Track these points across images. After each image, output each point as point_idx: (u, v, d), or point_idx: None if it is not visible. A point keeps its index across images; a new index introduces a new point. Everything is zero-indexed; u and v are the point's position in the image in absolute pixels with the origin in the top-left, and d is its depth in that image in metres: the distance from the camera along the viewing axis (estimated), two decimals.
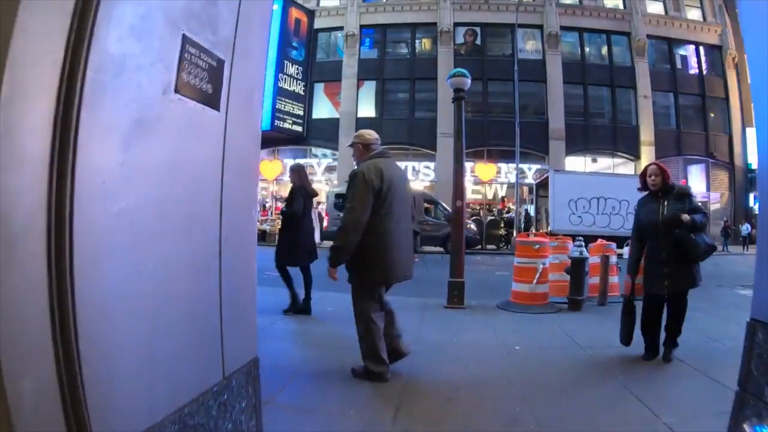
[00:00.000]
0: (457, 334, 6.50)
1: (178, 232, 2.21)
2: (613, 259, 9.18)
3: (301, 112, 32.13)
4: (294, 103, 31.65)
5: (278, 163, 32.38)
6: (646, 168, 5.45)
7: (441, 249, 21.95)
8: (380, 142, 5.00)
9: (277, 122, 30.34)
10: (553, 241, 9.78)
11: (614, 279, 9.39)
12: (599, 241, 9.59)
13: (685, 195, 5.19)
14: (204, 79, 2.25)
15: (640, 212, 5.42)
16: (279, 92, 30.56)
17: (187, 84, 2.14)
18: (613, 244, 9.55)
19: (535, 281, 8.14)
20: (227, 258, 2.58)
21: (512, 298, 8.49)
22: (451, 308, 8.26)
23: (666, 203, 5.14)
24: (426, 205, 22.81)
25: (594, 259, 8.94)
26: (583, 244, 8.51)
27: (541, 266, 8.22)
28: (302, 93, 32.30)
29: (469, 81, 8.97)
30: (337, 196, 24.11)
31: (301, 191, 7.54)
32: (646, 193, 5.41)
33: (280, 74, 30.71)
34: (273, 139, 31.96)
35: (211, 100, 2.34)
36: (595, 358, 5.40)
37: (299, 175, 7.83)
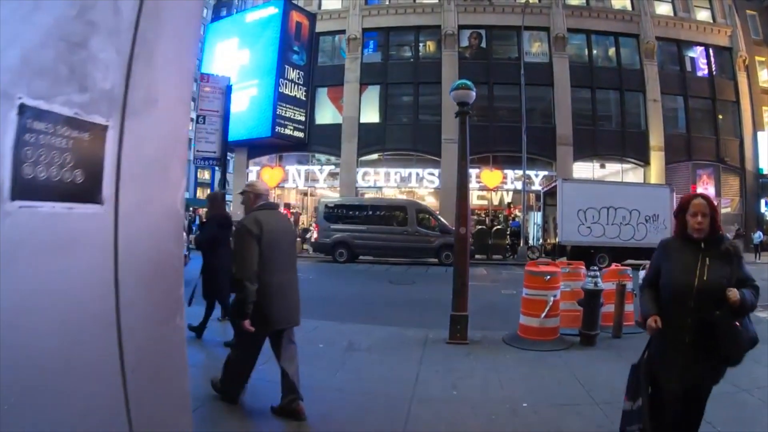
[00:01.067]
0: (458, 383, 5.81)
1: None
2: (629, 285, 8.42)
3: (302, 118, 31.57)
4: (295, 108, 31.09)
5: (279, 170, 32.08)
6: (688, 200, 3.41)
7: (435, 260, 21.63)
8: (268, 194, 5.40)
9: (277, 128, 29.86)
10: (565, 266, 8.96)
11: (629, 307, 8.46)
12: (613, 266, 8.89)
13: (735, 254, 3.31)
14: (68, 164, 1.51)
15: (665, 262, 3.49)
16: (280, 98, 30.06)
17: (34, 181, 1.45)
18: (629, 270, 8.83)
19: (543, 315, 7.44)
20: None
21: (520, 331, 7.78)
22: (454, 344, 7.55)
23: (708, 261, 3.26)
24: (419, 215, 22.57)
25: (607, 285, 8.15)
26: (599, 273, 7.80)
27: (552, 299, 7.51)
28: (304, 98, 31.74)
29: (474, 94, 8.18)
30: (328, 207, 23.73)
31: (217, 220, 7.51)
32: (676, 235, 3.53)
33: (281, 79, 30.21)
34: (274, 146, 31.76)
35: (86, 193, 1.62)
36: (611, 418, 4.68)
37: (214, 203, 8.12)
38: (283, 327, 4.96)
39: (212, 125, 8.98)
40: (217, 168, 9.11)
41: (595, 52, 32.61)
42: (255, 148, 32.74)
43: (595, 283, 7.57)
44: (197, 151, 8.96)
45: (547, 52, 31.42)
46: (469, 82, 8.22)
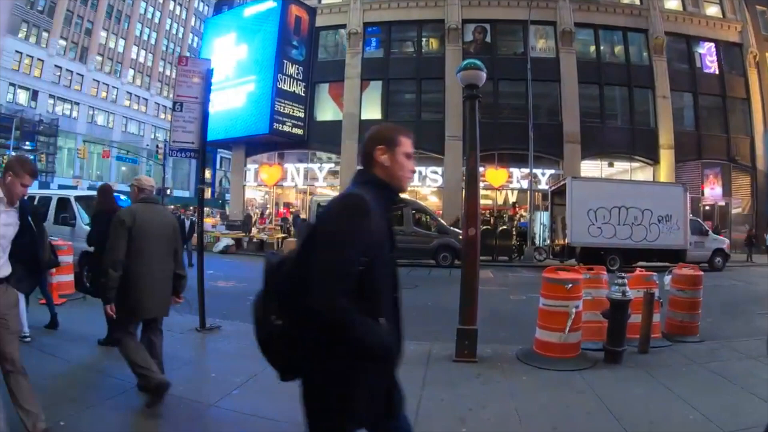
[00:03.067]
0: (468, 416, 4.90)
1: None
2: (656, 293, 7.50)
3: (301, 114, 30.90)
4: (294, 104, 30.41)
5: (278, 167, 31.61)
6: None
7: (432, 262, 20.94)
8: (155, 190, 5.74)
9: (276, 125, 29.22)
10: (585, 272, 7.73)
11: (655, 317, 7.52)
12: (638, 271, 7.89)
13: None
14: None
15: None
16: (278, 93, 29.40)
17: None
18: (654, 275, 7.89)
19: (567, 331, 6.44)
20: None
21: (537, 347, 6.75)
22: (461, 362, 6.56)
23: None
24: (416, 214, 21.85)
25: (632, 293, 7.17)
26: (626, 281, 6.74)
27: (574, 311, 6.50)
28: (303, 94, 31.07)
29: (484, 75, 7.07)
30: (321, 206, 22.97)
31: (106, 214, 6.81)
32: None
33: (279, 75, 29.53)
34: (273, 143, 31.19)
35: None
36: None
37: (103, 197, 7.93)
38: (151, 316, 5.26)
39: (190, 113, 8.17)
40: (204, 165, 8.31)
41: (602, 47, 31.84)
42: (253, 145, 32.21)
43: (623, 292, 6.55)
44: (173, 141, 8.27)
45: (554, 47, 30.66)
46: (478, 62, 7.19)
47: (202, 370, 6.43)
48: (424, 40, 31.94)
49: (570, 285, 6.64)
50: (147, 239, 5.04)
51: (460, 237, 20.13)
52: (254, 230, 28.46)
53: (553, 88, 29.92)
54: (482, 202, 28.08)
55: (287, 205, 33.58)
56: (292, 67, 30.35)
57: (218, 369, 6.45)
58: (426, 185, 29.67)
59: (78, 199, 14.20)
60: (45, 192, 16.36)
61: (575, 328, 6.58)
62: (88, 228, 11.57)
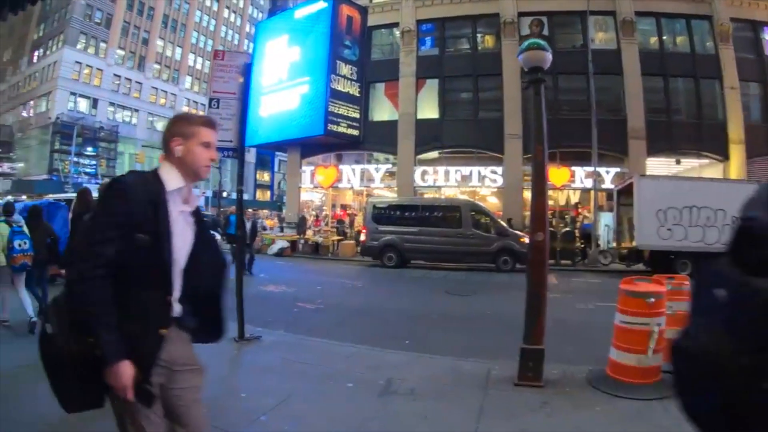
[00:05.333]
0: None
1: None
2: None
3: (356, 115, 30.39)
4: (349, 105, 29.95)
5: (334, 169, 31.18)
6: None
7: (492, 266, 20.06)
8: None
9: (330, 126, 28.80)
10: (668, 282, 6.63)
11: None
12: None
13: None
14: None
15: None
16: (332, 94, 28.98)
17: None
18: None
19: (650, 353, 5.59)
20: None
21: (611, 370, 5.89)
22: (524, 386, 5.79)
23: None
24: (474, 216, 21.04)
25: None
26: None
27: (657, 329, 5.61)
28: (357, 95, 30.57)
29: (549, 56, 6.39)
30: (377, 207, 22.43)
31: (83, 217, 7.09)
32: None
33: (333, 75, 29.13)
34: (328, 144, 30.87)
35: None
36: None
37: (81, 199, 8.18)
38: None
39: (228, 110, 7.89)
40: (243, 165, 7.82)
41: (665, 36, 30.33)
42: (308, 147, 31.91)
43: None
44: None
45: (615, 38, 29.29)
46: (542, 42, 6.53)
47: (231, 389, 6.00)
48: (479, 36, 31.05)
49: (652, 299, 5.79)
50: None
51: (521, 239, 19.37)
52: (309, 232, 28.29)
53: (615, 81, 28.57)
54: None
55: (344, 206, 33.33)
56: (345, 67, 29.97)
57: (249, 387, 6.07)
58: (485, 185, 28.76)
59: None
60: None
61: (657, 349, 5.71)
62: None
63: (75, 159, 55.50)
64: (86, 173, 57.64)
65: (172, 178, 2.55)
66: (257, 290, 14.12)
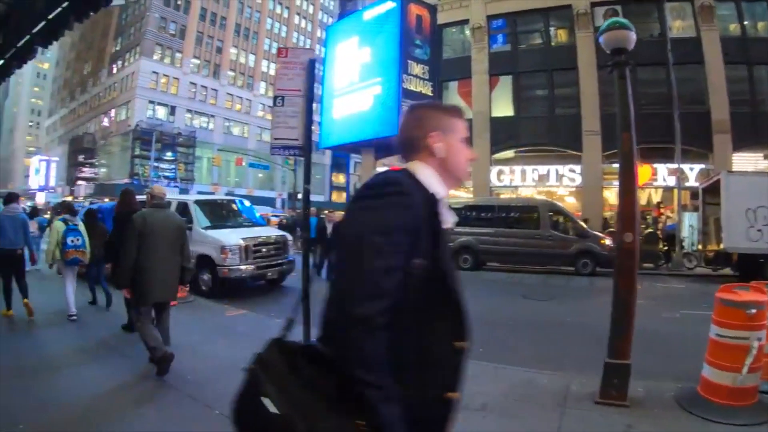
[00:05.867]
0: None
1: None
2: None
3: None
4: None
5: None
6: None
7: (571, 269, 19.27)
8: (166, 197, 7.13)
9: None
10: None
11: None
12: None
13: None
14: None
15: None
16: (404, 94, 28.68)
17: None
18: None
19: (745, 371, 4.98)
20: None
21: (702, 389, 5.33)
22: (607, 404, 5.30)
23: None
24: (552, 216, 20.27)
25: None
26: None
27: (756, 344, 5.00)
28: (430, 94, 30.17)
29: (633, 36, 5.91)
30: (453, 208, 21.76)
31: (123, 216, 7.51)
32: None
33: (405, 75, 28.95)
34: None
35: None
36: None
37: (122, 199, 8.88)
38: (159, 301, 6.49)
39: (293, 107, 7.73)
40: (310, 164, 7.55)
41: (746, 22, 28.41)
42: (382, 148, 31.51)
43: None
44: (274, 138, 7.77)
45: (693, 25, 27.76)
46: (624, 20, 6.06)
47: None
48: (551, 29, 30.16)
49: (753, 309, 5.11)
50: (155, 238, 6.29)
51: (602, 242, 18.74)
52: None
53: (696, 71, 26.97)
54: None
55: None
56: (417, 66, 29.75)
57: None
58: (563, 185, 27.99)
59: (199, 203, 14.40)
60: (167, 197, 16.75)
61: (755, 367, 5.12)
62: (204, 232, 13.06)
63: (154, 164, 57.72)
64: (165, 177, 60.10)
65: (436, 184, 1.93)
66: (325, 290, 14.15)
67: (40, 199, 49.84)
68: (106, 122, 70.43)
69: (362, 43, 31.92)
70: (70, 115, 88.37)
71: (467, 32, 31.19)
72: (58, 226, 9.40)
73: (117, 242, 7.40)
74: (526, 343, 8.73)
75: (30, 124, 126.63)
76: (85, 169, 70.16)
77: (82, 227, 9.63)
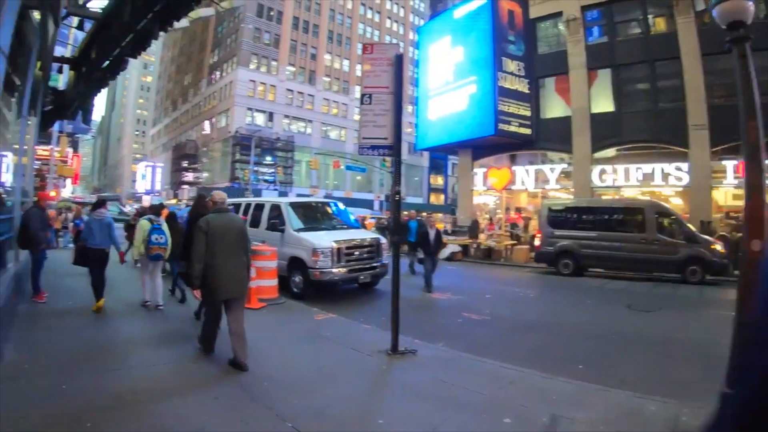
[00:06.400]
0: None
1: None
2: None
3: (527, 113, 29.53)
4: (519, 103, 29.19)
5: (506, 170, 30.37)
6: None
7: (678, 276, 17.76)
8: (224, 202, 7.42)
9: (501, 126, 28.20)
10: None
11: None
12: None
13: None
14: None
15: None
16: (500, 92, 28.37)
17: None
18: None
19: None
20: None
21: None
22: None
23: None
24: (659, 219, 18.66)
25: None
26: None
27: None
28: (527, 91, 29.71)
29: (751, 6, 5.41)
30: (552, 210, 21.09)
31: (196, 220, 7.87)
32: None
33: (500, 73, 28.51)
34: (499, 145, 30.21)
35: None
36: None
37: (197, 203, 9.51)
38: (227, 297, 6.95)
39: (381, 105, 7.65)
40: (400, 164, 7.09)
41: None
42: (479, 148, 31.60)
43: None
44: (363, 138, 7.73)
45: None
46: None
47: (367, 413, 5.43)
48: (650, 17, 28.15)
49: None
50: (219, 239, 6.81)
51: (712, 246, 17.53)
52: (482, 236, 27.65)
53: None
54: (734, 203, 23.95)
55: (518, 209, 32.08)
56: (512, 63, 29.27)
57: (390, 413, 5.42)
58: (668, 184, 25.69)
59: (292, 206, 14.44)
60: (260, 199, 17.02)
61: None
62: (296, 234, 13.19)
63: (254, 168, 59.43)
64: (265, 181, 62.26)
65: None
66: (422, 297, 13.96)
67: (146, 202, 52.78)
68: (207, 129, 73.62)
69: (455, 42, 31.85)
70: (172, 124, 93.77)
71: (560, 26, 30.21)
72: (144, 225, 10.52)
73: (189, 243, 7.97)
74: (631, 361, 8.02)
75: (136, 133, 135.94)
76: (188, 174, 74.45)
77: (165, 226, 10.69)
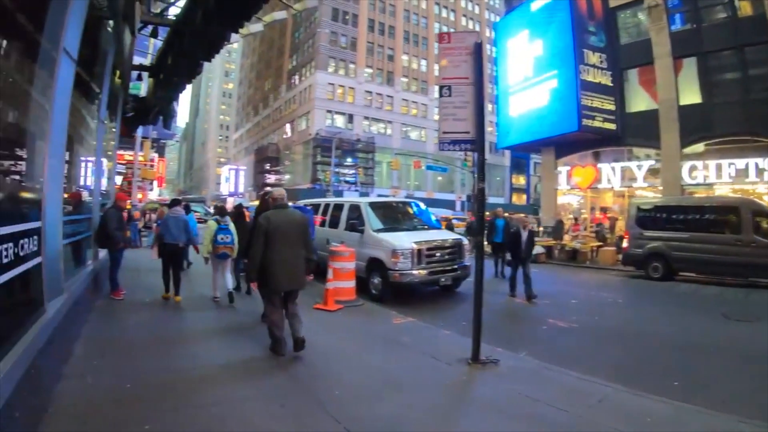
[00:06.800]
0: None
1: None
2: None
3: (611, 107, 28.42)
4: (602, 97, 28.18)
5: (591, 168, 29.55)
6: None
7: None
8: (285, 197, 7.91)
9: (585, 121, 27.32)
10: None
11: None
12: None
13: None
14: None
15: None
16: (583, 86, 27.54)
17: None
18: None
19: None
20: None
21: None
22: None
23: None
24: (755, 219, 16.91)
25: None
26: None
27: None
28: (611, 84, 28.66)
29: None
30: (641, 209, 19.92)
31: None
32: None
33: (581, 66, 27.69)
34: (583, 141, 29.34)
35: None
36: None
37: (263, 203, 9.53)
38: (286, 290, 7.42)
39: (461, 96, 7.14)
40: (484, 160, 6.51)
41: None
42: (563, 146, 30.88)
43: None
44: (443, 132, 7.22)
45: None
46: None
47: (444, 430, 5.11)
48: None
49: None
50: (279, 235, 7.17)
51: None
52: (566, 237, 26.69)
53: None
54: None
55: (603, 209, 30.86)
56: (593, 55, 28.33)
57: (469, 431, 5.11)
58: (763, 181, 23.70)
59: (371, 206, 14.24)
60: (339, 200, 16.88)
61: None
62: (376, 235, 13.08)
63: (335, 169, 60.44)
64: (346, 182, 63.16)
65: None
66: (506, 301, 13.49)
67: (230, 204, 54.38)
68: (288, 132, 75.39)
69: (533, 36, 31.29)
70: (254, 128, 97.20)
71: (640, 15, 28.98)
72: (212, 225, 11.25)
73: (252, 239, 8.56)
74: (729, 377, 7.28)
75: (219, 137, 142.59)
76: (270, 176, 76.67)
77: (232, 226, 11.34)
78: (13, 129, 5.57)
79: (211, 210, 57.72)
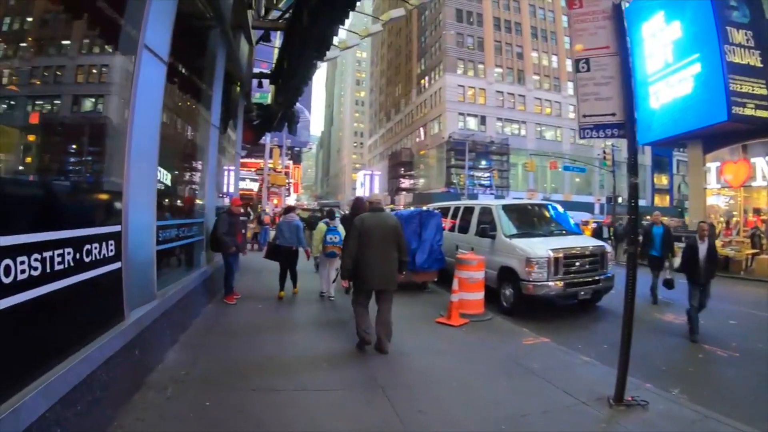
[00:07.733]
0: None
1: None
2: None
3: (764, 91, 24.87)
4: (753, 80, 24.79)
5: (744, 164, 26.02)
6: None
7: None
8: (379, 202, 8.33)
9: (735, 108, 24.21)
10: None
11: None
12: None
13: None
14: None
15: None
16: (730, 69, 24.52)
17: None
18: None
19: None
20: None
21: None
22: None
23: None
24: None
25: None
26: None
27: None
28: (760, 65, 25.17)
29: None
30: None
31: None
32: None
33: (726, 46, 24.71)
34: (734, 133, 25.93)
35: None
36: None
37: (355, 207, 10.39)
38: (376, 288, 7.80)
39: (602, 71, 5.78)
40: (636, 146, 5.31)
41: None
42: (710, 138, 27.61)
43: None
44: (583, 116, 5.88)
45: None
46: None
47: None
48: None
49: None
50: (372, 237, 7.57)
51: None
52: (717, 243, 23.38)
53: None
54: None
55: (757, 211, 26.24)
56: (738, 33, 25.17)
57: None
58: None
59: (504, 208, 13.14)
60: (469, 202, 15.93)
61: None
62: (508, 241, 12.06)
63: (469, 172, 59.79)
64: (481, 185, 62.50)
65: None
66: (651, 318, 11.59)
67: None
68: (421, 136, 76.12)
69: (669, 17, 28.76)
70: (387, 134, 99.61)
71: None
72: (321, 227, 12.38)
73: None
74: None
75: (354, 144, 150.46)
76: (404, 181, 78.09)
77: (341, 228, 12.04)
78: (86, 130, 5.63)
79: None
